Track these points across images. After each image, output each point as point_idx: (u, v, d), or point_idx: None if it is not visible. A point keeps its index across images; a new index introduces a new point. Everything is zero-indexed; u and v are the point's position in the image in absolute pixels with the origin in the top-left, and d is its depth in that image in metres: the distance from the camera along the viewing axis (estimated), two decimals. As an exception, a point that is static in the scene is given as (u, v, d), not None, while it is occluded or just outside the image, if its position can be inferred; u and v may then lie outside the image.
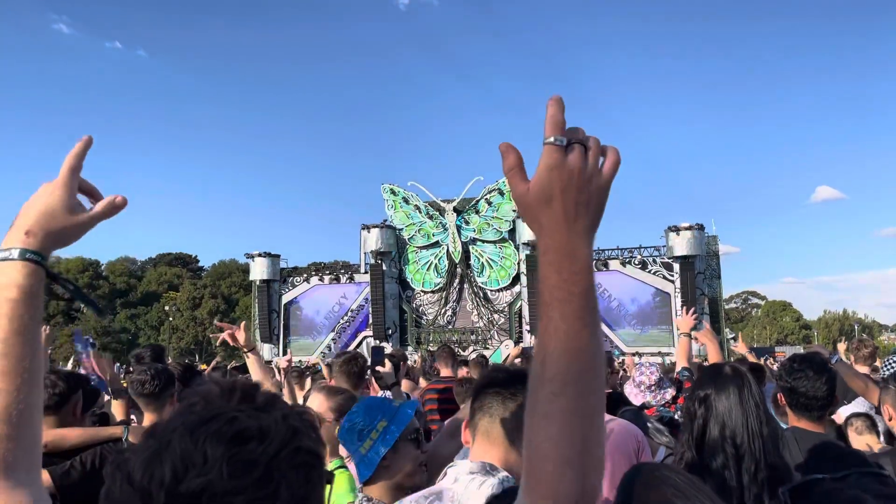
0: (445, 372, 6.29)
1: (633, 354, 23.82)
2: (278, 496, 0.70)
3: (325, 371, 4.13)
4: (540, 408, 0.82)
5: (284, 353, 38.92)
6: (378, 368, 4.53)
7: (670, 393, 4.30)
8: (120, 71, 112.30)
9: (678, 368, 4.59)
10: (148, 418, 3.49)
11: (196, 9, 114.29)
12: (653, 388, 4.30)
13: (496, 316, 37.99)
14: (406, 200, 39.64)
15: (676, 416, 3.98)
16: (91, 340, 4.51)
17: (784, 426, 2.91)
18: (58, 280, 1.18)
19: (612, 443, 3.60)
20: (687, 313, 4.88)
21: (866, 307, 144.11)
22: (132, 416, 4.18)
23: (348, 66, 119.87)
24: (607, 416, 3.85)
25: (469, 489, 1.74)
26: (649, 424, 3.63)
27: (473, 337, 37.29)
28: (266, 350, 40.69)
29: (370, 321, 38.38)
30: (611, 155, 0.90)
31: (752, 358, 6.75)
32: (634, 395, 4.33)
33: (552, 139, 0.86)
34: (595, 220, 0.87)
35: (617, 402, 4.23)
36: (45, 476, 3.02)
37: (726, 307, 69.20)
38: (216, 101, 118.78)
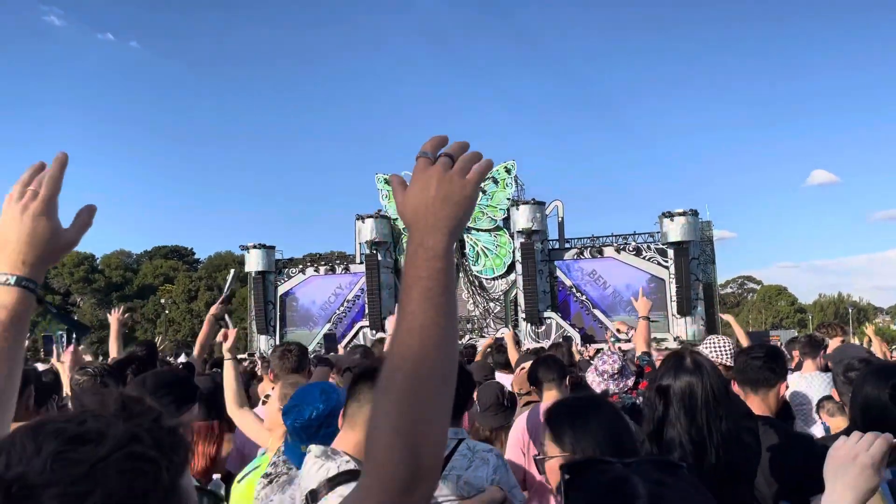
0: None
1: (627, 341, 23.93)
2: (91, 494, 0.73)
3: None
4: (381, 384, 0.88)
5: (281, 345, 38.92)
6: (331, 355, 4.84)
7: (632, 380, 4.34)
8: (113, 63, 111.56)
9: (638, 353, 4.60)
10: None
11: (189, 0, 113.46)
12: (615, 376, 4.34)
13: (492, 304, 38.09)
14: (400, 190, 39.57)
15: (638, 402, 4.04)
16: (61, 335, 4.56)
17: None
18: (44, 304, 1.30)
19: None
20: (643, 296, 4.89)
21: (861, 290, 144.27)
22: None
23: (341, 56, 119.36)
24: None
25: (310, 472, 1.86)
26: None
27: (469, 325, 37.38)
28: (262, 341, 40.72)
29: (366, 311, 38.42)
30: (481, 164, 1.02)
31: (744, 339, 6.73)
32: (596, 384, 4.37)
33: (421, 153, 1.01)
34: (456, 213, 0.96)
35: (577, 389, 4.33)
36: None
37: (721, 292, 69.28)
38: (209, 93, 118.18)
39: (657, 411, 2.12)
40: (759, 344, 3.59)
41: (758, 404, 2.91)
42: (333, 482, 1.75)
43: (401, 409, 0.84)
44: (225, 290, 5.32)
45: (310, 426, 2.09)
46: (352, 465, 1.80)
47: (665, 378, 2.16)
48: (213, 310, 5.18)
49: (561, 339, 10.63)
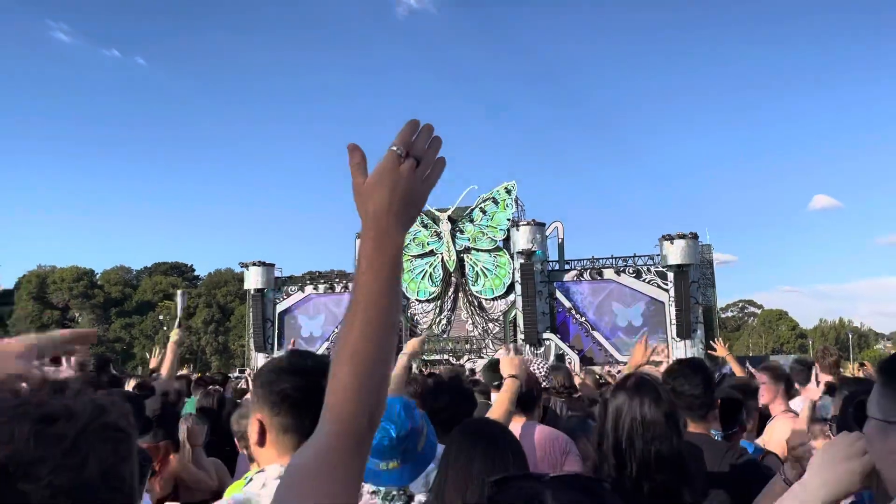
0: None
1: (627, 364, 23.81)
2: (86, 464, 0.77)
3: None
4: (345, 355, 1.04)
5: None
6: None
7: None
8: (118, 79, 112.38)
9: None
10: None
11: (195, 17, 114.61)
12: None
13: (491, 325, 37.95)
14: (401, 209, 39.66)
15: None
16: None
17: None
18: None
19: (537, 449, 3.60)
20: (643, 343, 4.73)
21: (863, 315, 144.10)
22: None
23: (343, 74, 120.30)
24: (536, 424, 3.84)
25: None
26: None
27: (468, 346, 37.23)
28: (260, 359, 40.55)
29: (365, 330, 38.30)
30: (437, 167, 1.11)
31: (737, 369, 6.53)
32: None
33: (394, 148, 1.08)
34: (413, 215, 1.09)
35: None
36: None
37: (722, 316, 69.14)
38: (212, 110, 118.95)
39: (599, 423, 2.27)
40: (688, 359, 3.55)
41: (701, 429, 2.96)
42: None
43: (361, 381, 1.03)
44: (178, 314, 5.22)
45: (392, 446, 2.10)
46: None
47: (610, 395, 2.28)
48: (173, 336, 4.99)
49: (555, 361, 10.33)
